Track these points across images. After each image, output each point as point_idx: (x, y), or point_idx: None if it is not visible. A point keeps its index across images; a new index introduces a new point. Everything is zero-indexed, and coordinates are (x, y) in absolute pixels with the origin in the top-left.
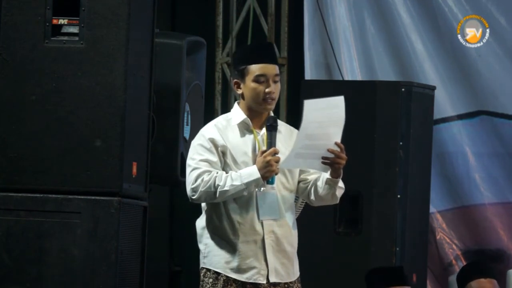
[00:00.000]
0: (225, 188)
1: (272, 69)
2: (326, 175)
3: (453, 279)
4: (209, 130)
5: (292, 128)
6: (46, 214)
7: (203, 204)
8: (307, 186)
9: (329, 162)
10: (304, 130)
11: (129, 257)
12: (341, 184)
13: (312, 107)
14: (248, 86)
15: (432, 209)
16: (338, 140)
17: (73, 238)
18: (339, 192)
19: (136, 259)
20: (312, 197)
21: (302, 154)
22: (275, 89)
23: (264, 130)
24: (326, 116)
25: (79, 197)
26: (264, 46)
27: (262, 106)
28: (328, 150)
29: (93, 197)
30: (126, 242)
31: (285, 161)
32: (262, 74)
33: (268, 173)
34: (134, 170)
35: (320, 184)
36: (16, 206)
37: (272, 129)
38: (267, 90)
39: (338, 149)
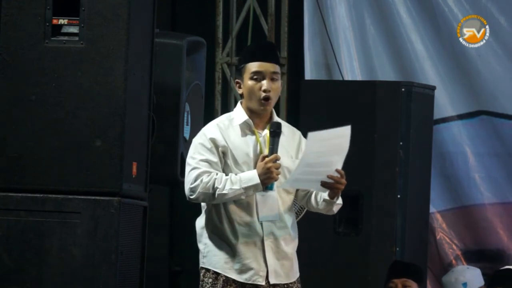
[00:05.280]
0: (224, 192)
1: (269, 67)
2: (324, 195)
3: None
4: (211, 130)
5: (295, 129)
6: (46, 214)
7: (203, 204)
8: (306, 194)
9: (328, 186)
10: (305, 160)
11: (129, 257)
12: (339, 201)
13: (315, 138)
14: (245, 85)
15: (432, 209)
16: (339, 167)
17: (73, 238)
18: (336, 208)
19: (136, 259)
20: (310, 206)
21: (301, 179)
22: (272, 87)
23: (266, 130)
24: (328, 146)
25: (79, 197)
26: (263, 45)
27: (259, 105)
28: (328, 176)
29: (93, 197)
30: (126, 242)
31: (284, 184)
32: (258, 71)
33: (268, 180)
34: (134, 170)
35: (319, 199)
36: (16, 206)
37: (275, 135)
38: (262, 87)
39: (338, 175)
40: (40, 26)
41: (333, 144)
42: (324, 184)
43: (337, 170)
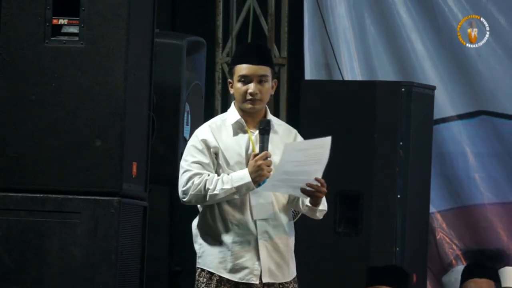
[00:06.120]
0: (215, 192)
1: (256, 69)
2: (307, 201)
3: (446, 279)
4: (203, 131)
5: (291, 128)
6: (46, 214)
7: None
8: (294, 197)
9: (308, 194)
10: (281, 168)
11: (129, 257)
12: (322, 207)
13: (292, 148)
14: (235, 86)
15: (432, 209)
16: (319, 176)
17: (73, 238)
18: (320, 214)
19: (136, 259)
20: (299, 209)
21: (278, 185)
22: (260, 90)
23: None
24: (306, 156)
25: (79, 197)
26: (252, 47)
27: (245, 107)
28: (307, 185)
29: (93, 197)
30: (126, 242)
31: (261, 188)
32: (245, 74)
33: (259, 177)
34: (134, 170)
35: (303, 204)
36: (16, 206)
37: (264, 133)
38: (249, 90)
39: (318, 184)
40: (40, 26)
41: (312, 154)
42: (304, 192)
43: (317, 179)
